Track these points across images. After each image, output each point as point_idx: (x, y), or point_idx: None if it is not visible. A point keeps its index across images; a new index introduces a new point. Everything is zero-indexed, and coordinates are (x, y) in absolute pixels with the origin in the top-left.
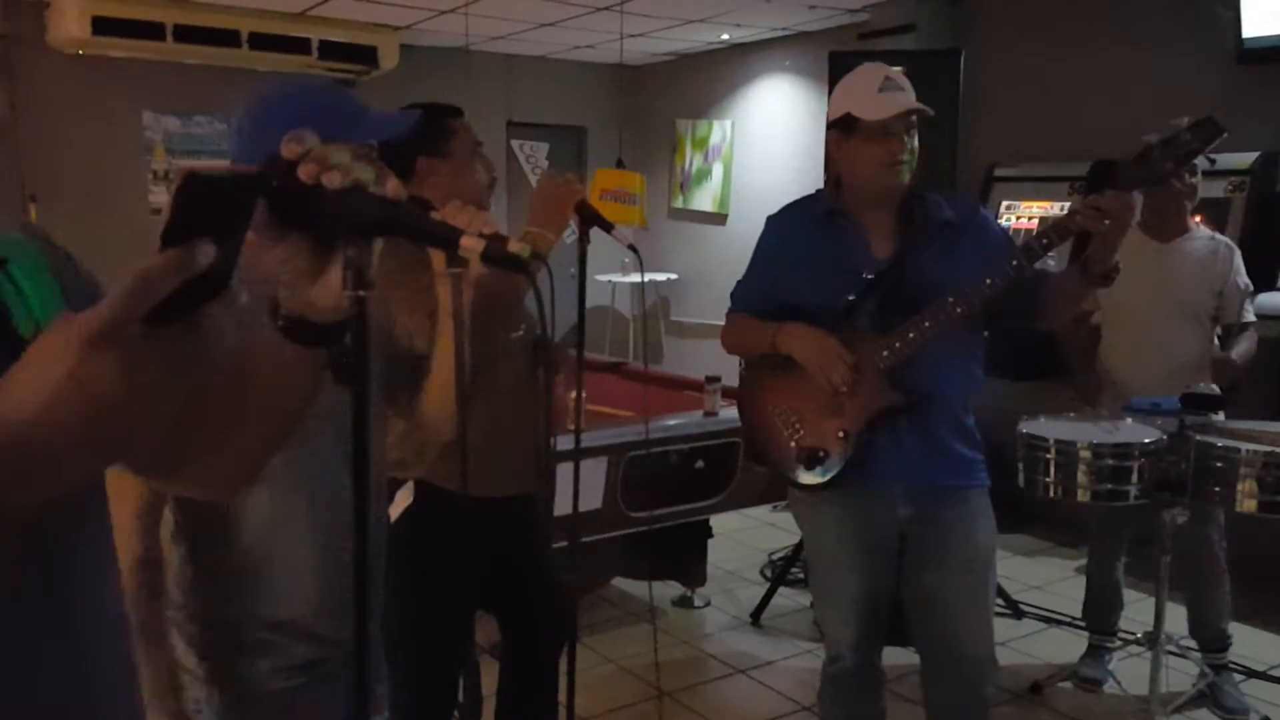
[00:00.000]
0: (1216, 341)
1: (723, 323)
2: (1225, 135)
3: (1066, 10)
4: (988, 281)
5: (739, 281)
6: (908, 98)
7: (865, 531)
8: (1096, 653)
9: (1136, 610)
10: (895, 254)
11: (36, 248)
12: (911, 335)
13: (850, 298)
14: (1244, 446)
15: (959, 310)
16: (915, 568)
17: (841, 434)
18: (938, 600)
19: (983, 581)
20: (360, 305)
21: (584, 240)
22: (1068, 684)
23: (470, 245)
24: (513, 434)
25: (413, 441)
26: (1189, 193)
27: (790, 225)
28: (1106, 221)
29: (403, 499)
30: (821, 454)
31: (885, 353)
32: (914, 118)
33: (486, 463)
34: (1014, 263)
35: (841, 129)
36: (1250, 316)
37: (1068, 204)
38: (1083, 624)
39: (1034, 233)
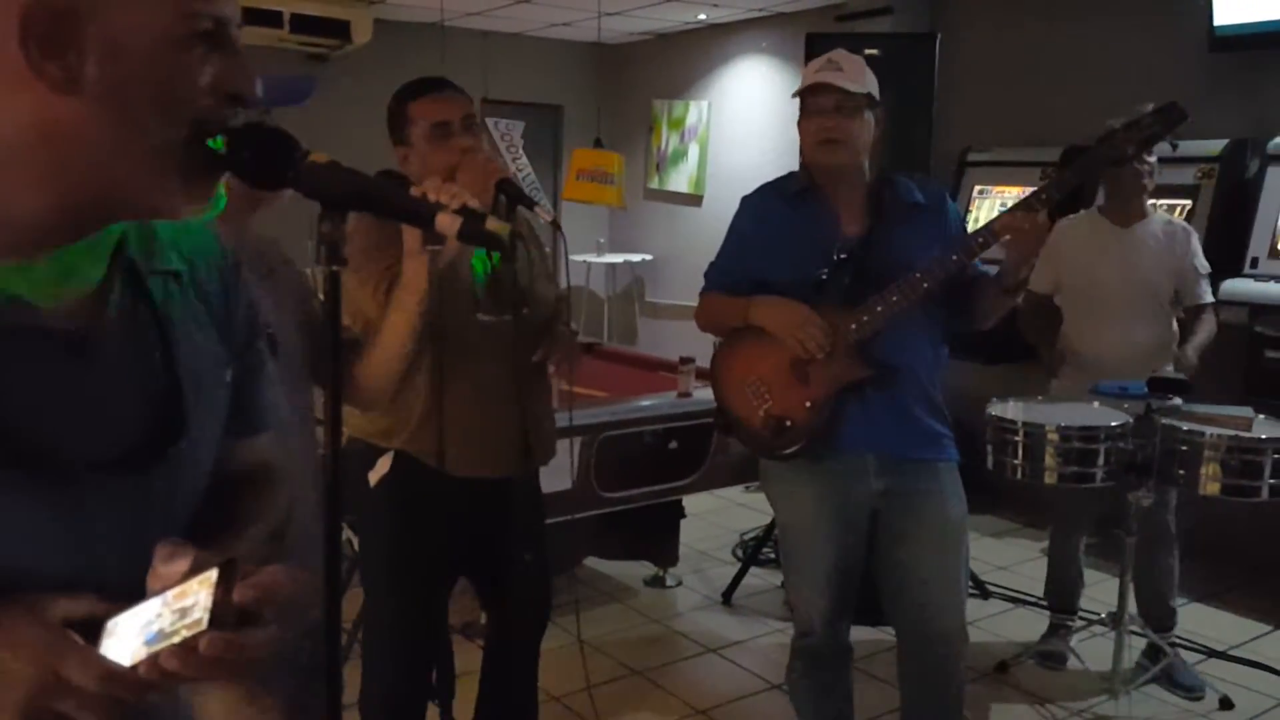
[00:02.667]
0: (1175, 325)
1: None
2: (1188, 120)
3: None
4: (954, 257)
5: (712, 262)
6: (828, 75)
7: (839, 504)
8: (1058, 631)
9: (1099, 590)
10: (865, 232)
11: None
12: (879, 308)
13: (823, 274)
14: (1208, 430)
15: (925, 285)
16: (888, 543)
17: (808, 404)
18: (910, 574)
19: (955, 555)
20: (334, 280)
21: (510, 218)
22: (1033, 663)
23: (446, 222)
24: (498, 416)
25: (396, 411)
26: (1146, 178)
27: (764, 204)
28: (1028, 240)
29: (382, 466)
30: (788, 423)
31: (854, 325)
32: (862, 99)
33: (467, 443)
34: (979, 240)
35: (800, 111)
36: (1208, 297)
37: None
38: (1047, 604)
39: (977, 232)
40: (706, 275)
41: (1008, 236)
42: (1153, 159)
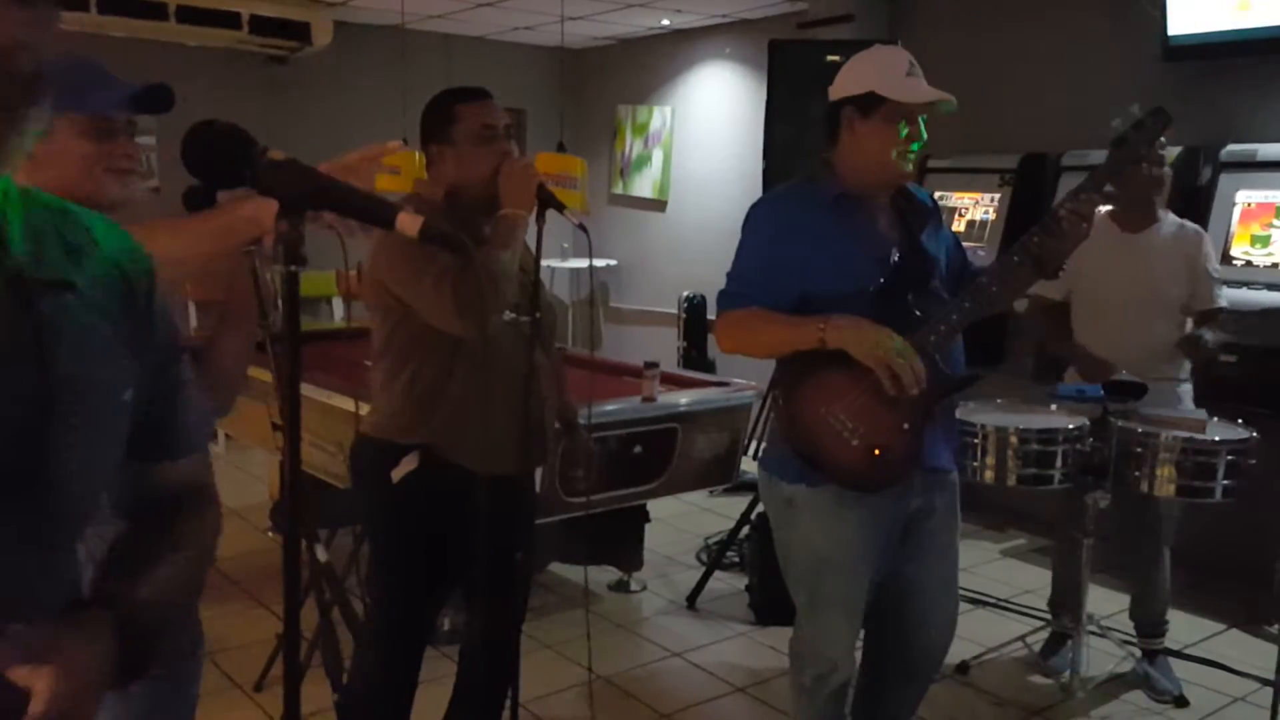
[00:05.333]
0: (1187, 330)
1: (663, 309)
2: (1170, 124)
3: (1000, 4)
4: (1015, 259)
5: (730, 275)
6: (929, 85)
7: (880, 532)
8: (1059, 639)
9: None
10: (907, 237)
11: (119, 273)
12: (955, 317)
13: (880, 281)
14: (1163, 433)
15: (993, 289)
16: (900, 557)
17: (905, 426)
18: (915, 586)
19: (955, 567)
20: (293, 281)
21: (541, 222)
22: (994, 663)
23: (407, 221)
24: (512, 414)
25: (415, 408)
26: (1157, 183)
27: (794, 210)
28: (1084, 225)
29: (408, 463)
30: (886, 453)
31: (933, 337)
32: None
33: (487, 439)
34: (1034, 239)
35: (859, 107)
36: (1220, 302)
37: (998, 195)
38: (1008, 606)
39: (1032, 232)
40: (727, 292)
41: (1066, 226)
42: (1165, 168)
